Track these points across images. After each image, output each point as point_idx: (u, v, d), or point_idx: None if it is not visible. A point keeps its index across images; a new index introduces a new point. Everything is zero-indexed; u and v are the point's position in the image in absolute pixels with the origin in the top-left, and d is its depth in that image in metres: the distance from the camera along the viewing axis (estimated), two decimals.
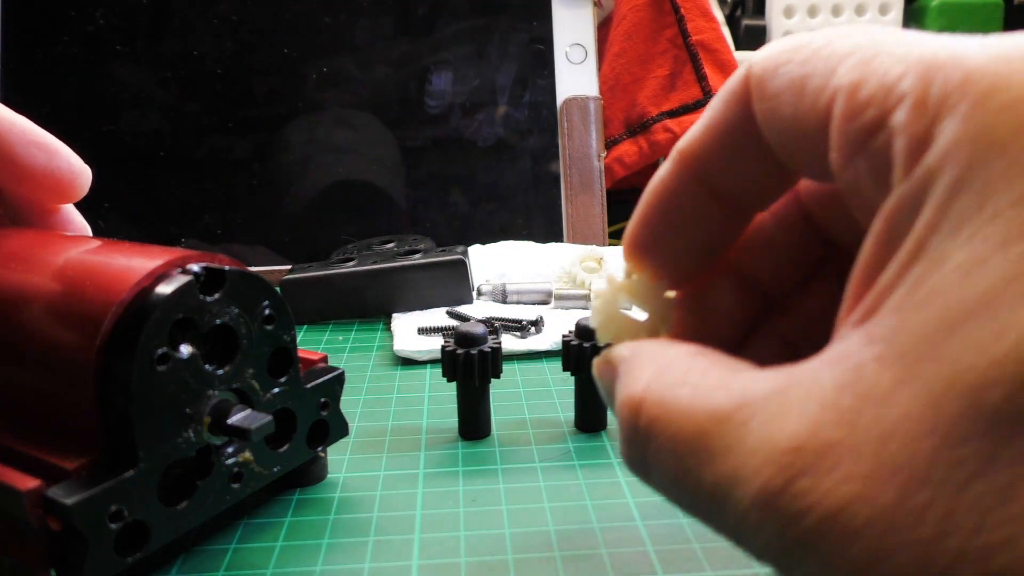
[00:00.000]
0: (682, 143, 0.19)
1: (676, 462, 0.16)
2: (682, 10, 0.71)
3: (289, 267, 0.53)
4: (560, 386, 0.39)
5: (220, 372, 0.25)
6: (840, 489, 0.13)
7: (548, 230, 0.63)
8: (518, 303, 0.50)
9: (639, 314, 0.22)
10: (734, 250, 0.21)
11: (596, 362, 0.21)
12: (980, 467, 0.12)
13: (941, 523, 0.12)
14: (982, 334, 0.12)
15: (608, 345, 0.21)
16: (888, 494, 0.13)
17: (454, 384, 0.33)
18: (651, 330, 0.21)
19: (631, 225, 0.21)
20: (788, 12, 0.83)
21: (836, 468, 0.13)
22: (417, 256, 0.50)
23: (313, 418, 0.29)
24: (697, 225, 0.20)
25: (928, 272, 0.13)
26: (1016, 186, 0.13)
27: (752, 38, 0.84)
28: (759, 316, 0.22)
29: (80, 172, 0.30)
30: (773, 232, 0.21)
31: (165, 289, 0.23)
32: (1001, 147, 0.13)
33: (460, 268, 0.49)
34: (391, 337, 0.46)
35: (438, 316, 0.48)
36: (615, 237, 0.69)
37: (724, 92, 0.18)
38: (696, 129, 0.19)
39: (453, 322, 0.47)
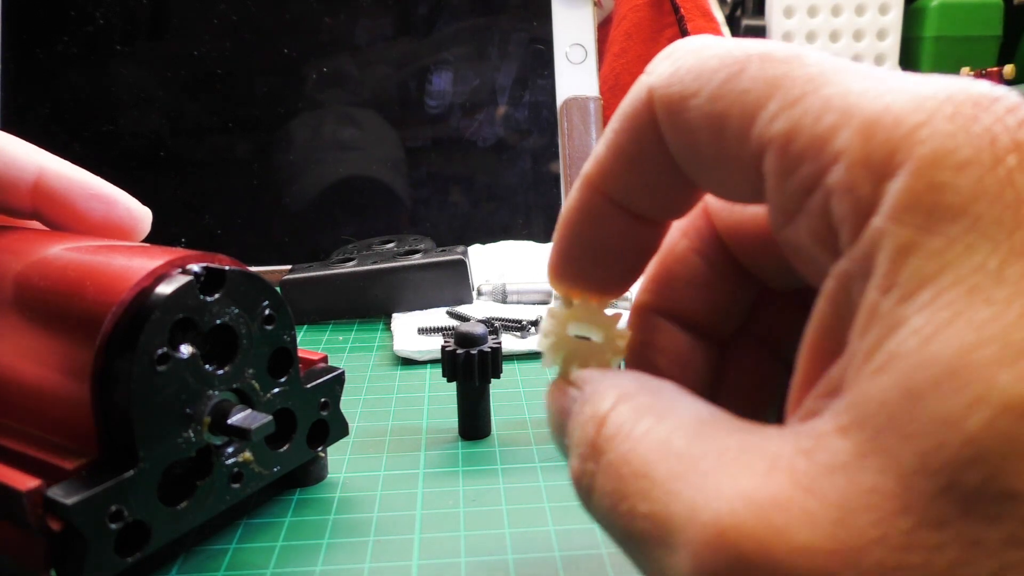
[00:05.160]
0: (588, 169, 0.19)
1: (618, 484, 0.15)
2: (682, 10, 0.71)
3: (289, 267, 0.53)
4: None
5: (220, 372, 0.25)
6: (794, 561, 0.12)
7: (548, 230, 0.63)
8: (518, 303, 0.50)
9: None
10: (667, 302, 0.21)
11: (553, 383, 0.20)
12: (965, 553, 0.11)
13: None
14: (951, 406, 0.12)
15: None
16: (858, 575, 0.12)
17: (454, 384, 0.33)
18: (601, 354, 0.21)
19: (551, 252, 0.20)
20: (788, 12, 0.83)
21: (789, 533, 0.12)
22: (417, 256, 0.50)
23: (313, 418, 0.29)
24: (614, 242, 0.19)
25: (884, 336, 0.13)
26: (977, 252, 0.12)
27: (752, 38, 0.84)
28: (719, 367, 0.21)
29: (140, 218, 0.30)
30: (702, 274, 0.21)
31: (165, 289, 0.23)
32: (956, 211, 0.12)
33: (460, 268, 0.49)
34: (391, 337, 0.46)
35: (438, 316, 0.48)
36: None
37: (625, 115, 0.18)
38: (600, 154, 0.18)
39: (453, 322, 0.47)
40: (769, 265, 0.20)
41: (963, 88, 0.13)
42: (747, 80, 0.15)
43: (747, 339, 0.21)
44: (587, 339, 0.21)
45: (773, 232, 0.16)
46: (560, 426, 0.19)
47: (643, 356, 0.21)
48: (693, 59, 0.16)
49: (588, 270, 0.20)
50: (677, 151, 0.17)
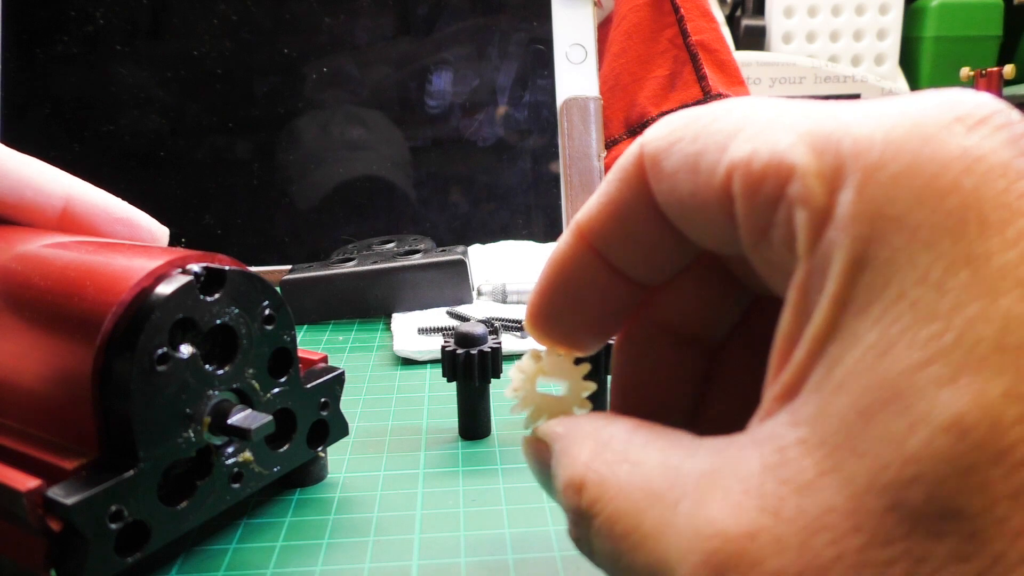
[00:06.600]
0: (580, 217, 0.19)
1: (614, 543, 0.16)
2: (682, 10, 0.71)
3: (289, 267, 0.53)
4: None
5: (220, 372, 0.25)
6: None
7: (548, 230, 0.63)
8: (518, 303, 0.50)
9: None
10: (659, 310, 0.21)
11: (526, 440, 0.21)
12: (912, 569, 0.12)
13: None
14: (896, 427, 0.12)
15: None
16: None
17: (454, 384, 0.33)
18: (568, 406, 0.21)
19: (532, 298, 0.21)
20: (788, 12, 0.83)
21: (763, 562, 0.13)
22: (417, 256, 0.50)
23: (313, 418, 0.29)
24: (596, 298, 0.20)
25: (843, 352, 0.13)
26: (919, 263, 0.12)
27: (752, 38, 0.84)
28: (708, 370, 0.21)
29: (159, 237, 0.31)
30: (694, 283, 0.21)
31: (165, 289, 0.23)
32: (898, 221, 0.13)
33: (460, 268, 0.49)
34: (391, 337, 0.46)
35: (438, 316, 0.48)
36: None
37: (619, 170, 0.18)
38: (593, 205, 0.19)
39: (453, 322, 0.47)
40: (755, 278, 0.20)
41: (918, 102, 0.14)
42: (723, 122, 0.16)
43: (739, 344, 0.21)
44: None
45: (748, 254, 0.16)
46: (544, 481, 0.20)
47: (631, 367, 0.21)
48: (683, 115, 0.17)
49: (565, 321, 0.20)
50: (661, 195, 0.17)
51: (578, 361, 0.22)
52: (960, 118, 0.13)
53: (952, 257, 0.12)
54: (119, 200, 0.31)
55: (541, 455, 0.19)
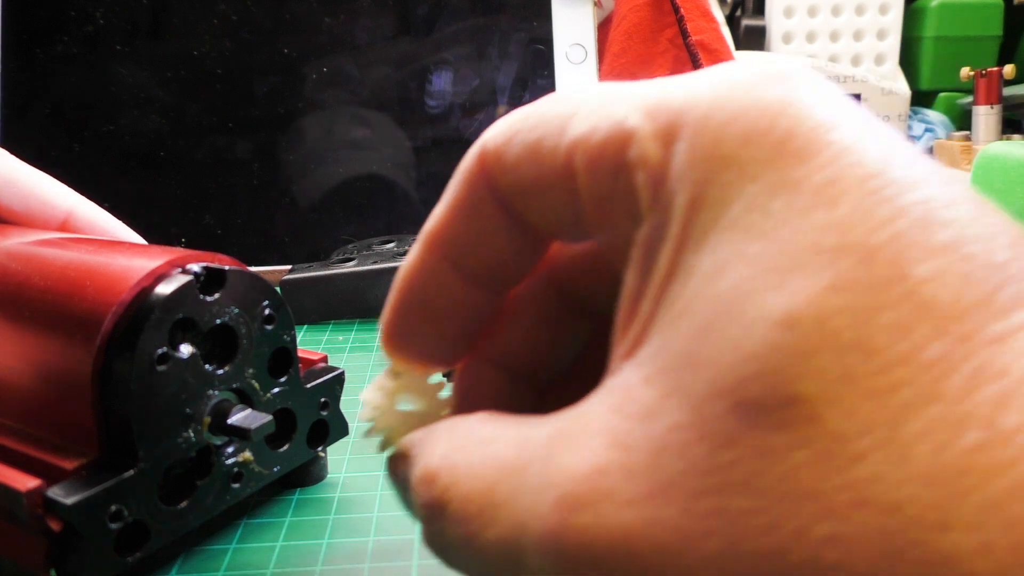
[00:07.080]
0: (428, 227, 0.19)
1: (466, 527, 0.15)
2: (682, 10, 0.71)
3: (289, 267, 0.53)
4: None
5: (220, 372, 0.25)
6: (621, 516, 0.12)
7: None
8: None
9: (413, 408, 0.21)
10: (493, 346, 0.20)
11: (389, 460, 0.19)
12: (757, 464, 0.12)
13: (729, 530, 0.12)
14: (732, 332, 0.12)
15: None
16: (669, 512, 0.12)
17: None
18: (430, 422, 0.20)
19: (384, 315, 0.20)
20: (788, 12, 0.83)
21: (615, 494, 0.13)
22: None
23: (313, 418, 0.29)
24: (451, 308, 0.19)
25: (680, 287, 0.14)
26: (746, 194, 0.13)
27: (752, 38, 0.84)
28: (539, 409, 0.21)
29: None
30: (531, 321, 0.20)
31: (165, 289, 0.23)
32: (728, 160, 0.14)
33: None
34: None
35: None
36: None
37: (461, 172, 0.18)
38: (439, 212, 0.18)
39: None
40: (607, 291, 0.19)
41: (738, 66, 0.15)
42: (559, 107, 0.17)
43: (572, 382, 0.21)
44: (411, 411, 0.20)
45: (591, 231, 0.16)
46: (407, 499, 0.18)
47: (465, 402, 0.21)
48: (519, 111, 0.17)
49: (419, 338, 0.20)
50: (505, 189, 0.17)
51: (443, 375, 0.21)
52: (775, 74, 0.14)
53: (773, 184, 0.13)
54: (119, 222, 0.32)
55: (403, 468, 0.18)
